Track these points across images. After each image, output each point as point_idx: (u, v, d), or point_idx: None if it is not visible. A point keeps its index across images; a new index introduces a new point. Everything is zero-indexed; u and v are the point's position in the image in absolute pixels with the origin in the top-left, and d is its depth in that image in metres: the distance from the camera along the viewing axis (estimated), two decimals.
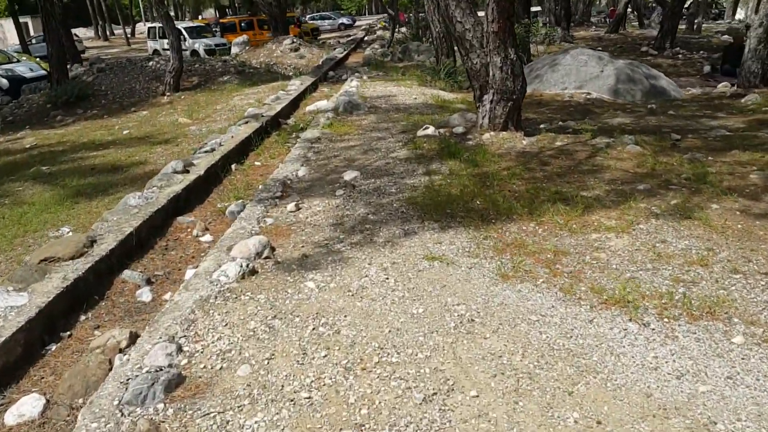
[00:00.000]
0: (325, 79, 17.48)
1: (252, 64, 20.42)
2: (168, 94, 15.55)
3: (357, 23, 62.12)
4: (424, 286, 4.16)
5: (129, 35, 54.75)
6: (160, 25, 36.47)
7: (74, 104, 15.47)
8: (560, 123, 9.05)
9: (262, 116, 10.49)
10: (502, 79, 7.71)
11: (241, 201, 6.47)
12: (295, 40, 25.63)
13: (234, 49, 27.37)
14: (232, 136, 8.95)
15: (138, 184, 7.60)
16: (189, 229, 5.98)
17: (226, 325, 3.79)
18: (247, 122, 10.00)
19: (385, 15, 62.71)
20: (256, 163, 8.36)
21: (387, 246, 4.83)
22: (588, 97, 11.51)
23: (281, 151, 8.84)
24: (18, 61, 22.68)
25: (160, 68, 16.88)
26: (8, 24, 45.83)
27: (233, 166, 8.00)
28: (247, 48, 26.98)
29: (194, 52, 31.86)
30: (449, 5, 7.85)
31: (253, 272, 4.44)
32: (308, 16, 61.61)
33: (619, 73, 11.82)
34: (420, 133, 8.19)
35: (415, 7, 32.23)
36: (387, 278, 4.29)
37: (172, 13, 72.90)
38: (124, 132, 11.47)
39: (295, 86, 14.50)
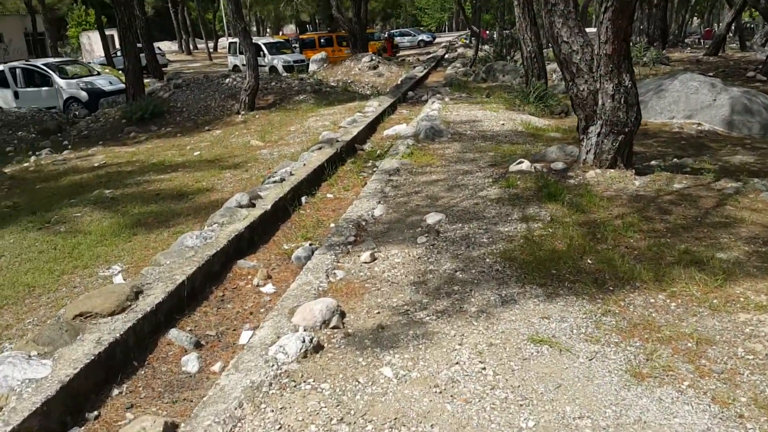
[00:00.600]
0: (404, 99, 16.74)
1: (329, 83, 19.93)
2: (243, 112, 15.14)
3: (437, 40, 61.53)
4: (533, 384, 3.24)
5: (211, 50, 55.88)
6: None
7: (149, 121, 15.28)
8: (675, 160, 7.94)
9: (337, 141, 9.78)
10: (613, 108, 6.71)
11: (309, 244, 5.71)
12: (374, 58, 25.12)
13: (312, 66, 27.10)
14: (304, 164, 8.25)
15: (201, 215, 6.99)
16: (250, 276, 5.24)
17: (280, 428, 2.97)
18: (320, 148, 9.30)
19: (466, 32, 61.88)
20: (329, 195, 7.61)
21: (481, 318, 3.93)
22: (700, 128, 10.29)
23: (356, 183, 8.07)
24: (98, 73, 22.98)
25: (236, 86, 16.54)
26: (96, 36, 47.36)
27: (303, 199, 7.27)
28: (325, 65, 26.66)
29: (273, 68, 31.88)
30: (554, 23, 6.91)
31: (318, 348, 3.63)
32: (387, 33, 61.46)
33: (734, 103, 10.54)
34: (513, 168, 7.26)
35: (499, 24, 31.20)
36: (483, 368, 3.39)
37: (253, 29, 74.26)
38: (195, 153, 11.00)
39: (373, 108, 13.80)
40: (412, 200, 6.52)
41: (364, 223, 5.85)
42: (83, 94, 20.21)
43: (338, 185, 8.04)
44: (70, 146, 13.62)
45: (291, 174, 7.69)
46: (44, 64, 21.01)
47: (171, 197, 8.03)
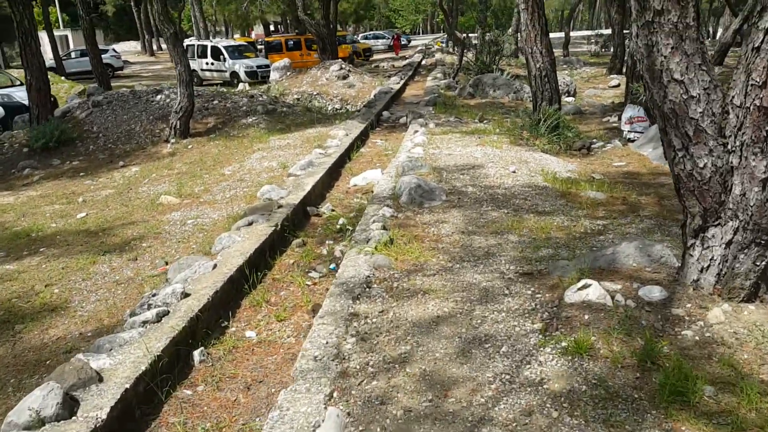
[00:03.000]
0: (378, 122, 13.56)
1: (286, 100, 16.65)
2: (173, 140, 11.83)
3: (412, 43, 58.55)
4: None
5: None
6: (200, 42, 33.31)
7: (54, 150, 11.97)
8: None
9: (279, 208, 6.56)
10: (761, 204, 3.62)
11: None
12: (343, 66, 21.88)
13: (273, 75, 23.74)
14: (215, 265, 5.01)
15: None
16: None
17: None
18: (251, 223, 6.07)
19: (441, 35, 58.93)
20: (249, 333, 4.38)
21: None
22: None
23: (299, 300, 4.86)
24: (21, 84, 19.39)
25: (169, 104, 13.20)
26: (47, 37, 43.37)
27: (197, 355, 4.00)
28: (288, 73, 23.32)
29: (234, 74, 28.64)
30: (657, 46, 3.73)
31: None
32: (360, 35, 58.21)
33: None
34: (572, 296, 4.10)
35: (481, 27, 27.79)
36: None
37: (221, 29, 69.99)
38: (80, 216, 7.68)
39: (338, 139, 10.58)
40: (394, 393, 3.29)
41: None
42: None
43: (269, 307, 4.80)
44: None
45: (184, 295, 4.43)
46: None
47: None
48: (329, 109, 19.23)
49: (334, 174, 8.74)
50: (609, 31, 45.01)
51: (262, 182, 8.13)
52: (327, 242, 6.13)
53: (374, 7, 61.40)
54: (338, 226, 6.52)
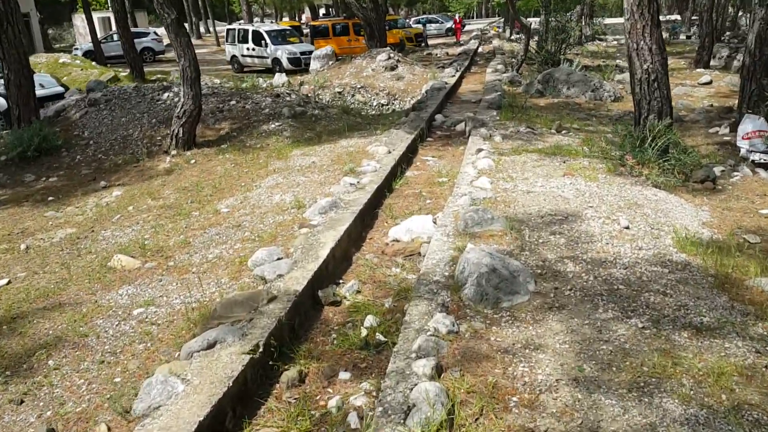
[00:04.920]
0: (430, 129, 11.01)
1: (321, 99, 14.17)
2: (173, 152, 9.53)
3: (466, 28, 55.31)
4: None
5: (221, 35, 50.15)
6: (241, 26, 31.19)
7: (33, 160, 9.84)
8: None
9: (271, 299, 4.12)
10: None
11: None
12: (392, 56, 19.27)
13: (313, 64, 21.32)
14: None
15: None
16: None
17: None
18: (213, 345, 3.66)
19: (497, 19, 55.52)
20: None
21: None
22: None
23: None
24: (33, 72, 17.42)
25: (177, 104, 10.91)
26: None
27: None
28: (331, 63, 20.88)
29: (276, 61, 26.40)
30: None
31: None
32: (412, 20, 55.32)
33: None
34: None
35: (545, 12, 24.36)
36: None
37: (272, 11, 67.68)
38: (1, 282, 5.41)
39: (377, 159, 8.09)
40: None
41: None
42: (1, 102, 14.70)
43: None
44: None
45: None
46: None
47: None
48: (374, 104, 16.79)
49: (367, 218, 6.27)
50: (676, 17, 41.14)
51: (265, 233, 5.72)
52: (341, 374, 3.68)
53: None
54: (363, 333, 4.07)
